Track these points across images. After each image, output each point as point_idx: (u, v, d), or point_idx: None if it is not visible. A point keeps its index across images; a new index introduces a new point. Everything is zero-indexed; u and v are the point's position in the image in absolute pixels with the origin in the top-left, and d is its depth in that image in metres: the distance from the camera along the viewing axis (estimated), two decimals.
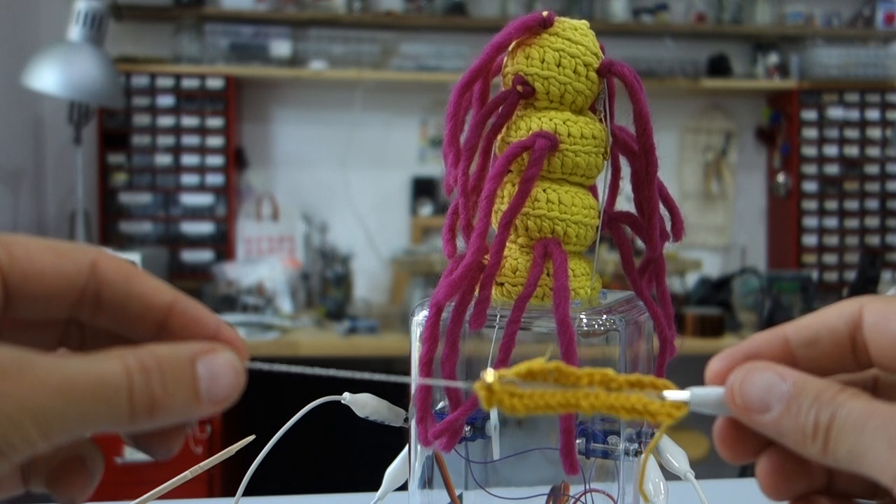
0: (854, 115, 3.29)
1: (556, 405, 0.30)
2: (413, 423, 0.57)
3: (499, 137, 0.57)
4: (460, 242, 0.57)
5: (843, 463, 0.29)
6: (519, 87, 0.56)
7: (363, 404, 0.60)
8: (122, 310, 0.32)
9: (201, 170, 3.04)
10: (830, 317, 0.32)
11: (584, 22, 0.58)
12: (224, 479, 2.38)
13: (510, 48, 0.57)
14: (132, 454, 2.28)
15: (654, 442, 0.33)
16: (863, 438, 0.28)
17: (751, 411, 0.30)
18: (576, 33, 0.56)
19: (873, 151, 3.30)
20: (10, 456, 0.27)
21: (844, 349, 0.32)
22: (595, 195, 0.59)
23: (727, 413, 0.31)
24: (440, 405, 0.58)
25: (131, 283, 0.32)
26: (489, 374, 0.30)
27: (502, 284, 0.56)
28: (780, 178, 3.35)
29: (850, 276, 3.19)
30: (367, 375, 0.34)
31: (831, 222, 3.30)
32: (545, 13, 0.56)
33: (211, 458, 0.60)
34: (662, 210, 0.58)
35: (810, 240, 3.30)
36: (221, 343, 0.32)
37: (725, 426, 0.32)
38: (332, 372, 0.34)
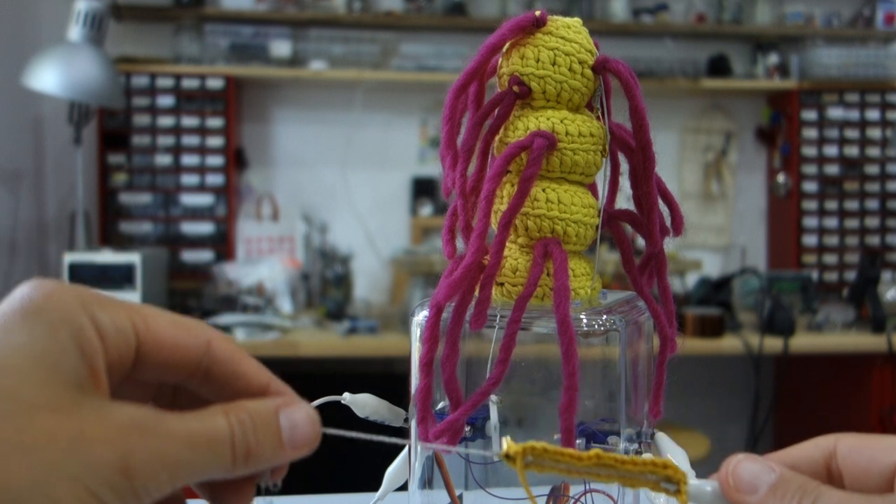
0: (854, 115, 3.29)
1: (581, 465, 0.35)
2: (413, 423, 0.56)
3: (496, 138, 0.57)
4: (460, 243, 0.57)
5: None
6: (515, 88, 0.56)
7: (363, 404, 0.60)
8: (228, 386, 0.36)
9: (201, 170, 3.04)
10: (809, 448, 0.37)
11: (577, 20, 0.58)
12: None
13: (504, 49, 0.57)
14: None
15: None
16: None
17: (740, 492, 0.35)
18: (569, 31, 0.56)
19: (873, 151, 3.30)
20: (144, 499, 0.30)
21: (820, 476, 0.36)
22: (594, 194, 0.59)
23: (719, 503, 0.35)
24: (440, 405, 0.58)
25: (238, 364, 0.36)
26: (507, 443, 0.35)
27: (502, 284, 0.56)
28: (780, 178, 3.35)
29: (851, 276, 3.18)
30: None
31: (831, 222, 3.30)
32: (538, 12, 0.56)
33: None
34: (662, 206, 0.58)
35: (810, 240, 3.30)
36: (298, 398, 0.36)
37: None
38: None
